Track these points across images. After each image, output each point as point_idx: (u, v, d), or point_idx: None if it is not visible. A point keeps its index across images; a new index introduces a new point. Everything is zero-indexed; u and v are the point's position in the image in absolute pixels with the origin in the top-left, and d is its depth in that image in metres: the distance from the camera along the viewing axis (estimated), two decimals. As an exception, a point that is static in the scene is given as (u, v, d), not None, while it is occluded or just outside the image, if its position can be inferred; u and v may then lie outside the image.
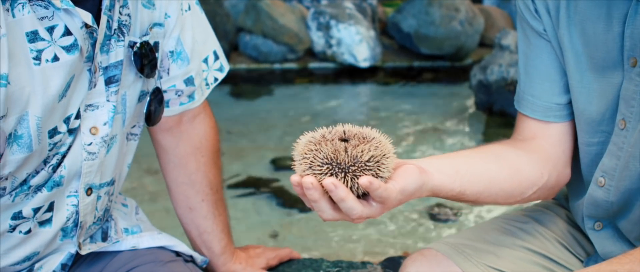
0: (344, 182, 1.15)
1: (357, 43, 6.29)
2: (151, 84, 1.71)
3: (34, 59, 1.44)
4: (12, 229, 1.56)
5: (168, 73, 1.76)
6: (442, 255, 1.57)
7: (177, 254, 1.79)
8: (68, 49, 1.47)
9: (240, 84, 6.18)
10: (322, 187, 1.16)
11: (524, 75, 1.67)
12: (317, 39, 6.44)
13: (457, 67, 6.27)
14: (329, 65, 6.45)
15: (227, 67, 1.91)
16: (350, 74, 6.36)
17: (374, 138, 1.20)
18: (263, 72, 6.42)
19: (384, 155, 1.20)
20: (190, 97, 1.82)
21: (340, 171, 1.16)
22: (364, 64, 6.26)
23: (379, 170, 1.19)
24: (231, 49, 6.52)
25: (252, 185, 4.20)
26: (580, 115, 1.58)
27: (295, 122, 5.36)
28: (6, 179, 1.49)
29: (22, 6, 1.40)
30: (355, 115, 5.47)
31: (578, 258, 1.62)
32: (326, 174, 1.16)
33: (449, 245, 1.60)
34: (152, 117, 1.72)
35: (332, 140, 1.20)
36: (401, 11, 6.66)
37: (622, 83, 1.48)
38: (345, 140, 1.21)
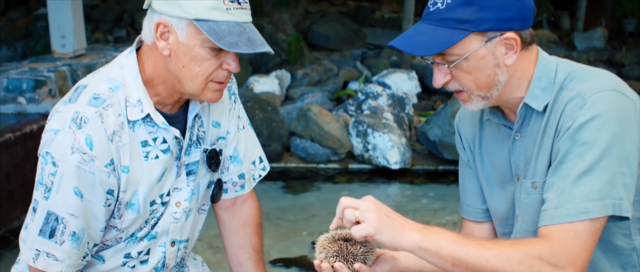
0: (346, 265, 1.66)
1: (389, 148, 6.27)
2: (216, 176, 2.01)
3: (144, 157, 1.77)
4: (123, 264, 1.89)
5: (228, 170, 2.04)
6: None
7: (229, 295, 2.04)
8: (164, 151, 1.80)
9: (291, 180, 6.22)
10: (333, 268, 1.66)
11: (462, 190, 1.97)
12: (357, 144, 6.43)
13: (476, 171, 6.23)
14: (366, 166, 6.43)
15: (268, 167, 2.16)
16: (384, 174, 6.33)
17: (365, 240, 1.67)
18: (310, 170, 6.42)
19: (370, 251, 1.69)
20: (242, 187, 2.09)
21: (344, 260, 1.66)
22: (395, 166, 6.25)
23: (366, 259, 1.68)
24: (284, 149, 6.52)
25: (293, 261, 4.33)
26: (494, 215, 1.90)
27: (334, 212, 5.44)
28: (122, 231, 1.83)
29: (139, 125, 1.75)
30: (386, 209, 5.49)
31: None
32: (335, 261, 1.66)
33: None
34: (215, 198, 2.02)
35: (339, 240, 1.69)
36: (429, 122, 6.63)
37: (514, 192, 1.78)
38: (347, 240, 1.69)
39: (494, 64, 1.62)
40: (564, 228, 1.55)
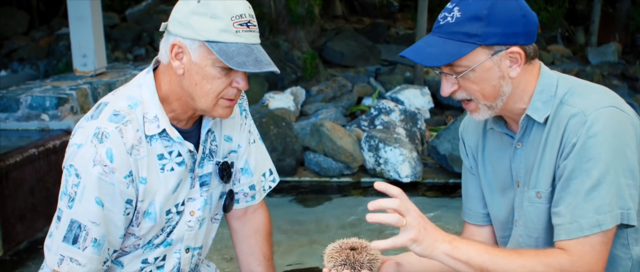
0: None
1: (400, 162, 6.24)
2: (227, 187, 2.08)
3: (160, 169, 1.85)
4: (141, 269, 1.97)
5: (239, 181, 2.12)
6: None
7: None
8: (179, 164, 1.88)
9: (305, 194, 6.18)
10: None
11: (464, 195, 2.03)
12: (369, 158, 6.38)
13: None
14: (378, 180, 5.56)
15: (278, 179, 2.22)
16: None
17: (370, 247, 1.75)
18: (324, 184, 6.37)
19: (374, 258, 1.77)
20: (253, 197, 2.16)
21: (351, 268, 1.74)
22: (406, 179, 6.21)
23: (372, 266, 1.76)
24: (298, 164, 6.47)
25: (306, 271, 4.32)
26: (494, 219, 1.96)
27: (346, 224, 5.38)
28: (140, 238, 1.91)
29: (156, 140, 1.83)
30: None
31: None
32: (343, 269, 1.73)
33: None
34: (227, 208, 2.09)
35: (346, 249, 1.77)
36: (439, 137, 6.58)
37: (514, 197, 1.86)
38: (353, 248, 1.77)
39: (499, 75, 1.71)
40: (580, 242, 1.65)
